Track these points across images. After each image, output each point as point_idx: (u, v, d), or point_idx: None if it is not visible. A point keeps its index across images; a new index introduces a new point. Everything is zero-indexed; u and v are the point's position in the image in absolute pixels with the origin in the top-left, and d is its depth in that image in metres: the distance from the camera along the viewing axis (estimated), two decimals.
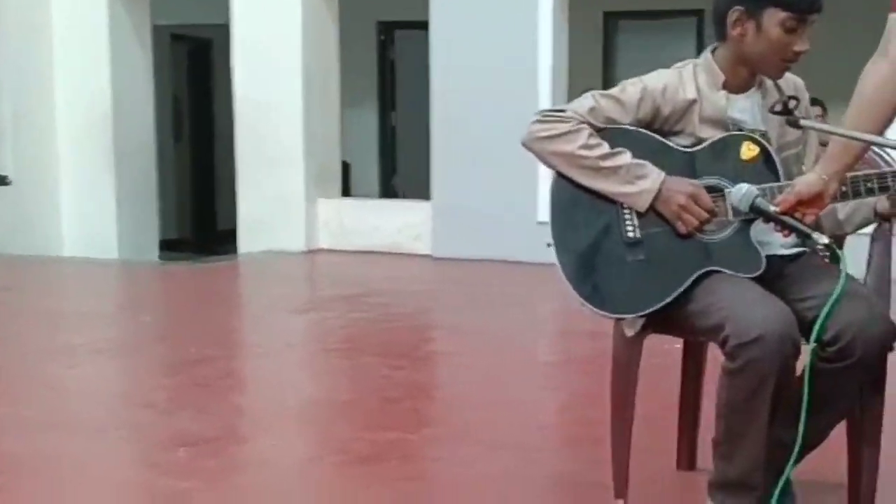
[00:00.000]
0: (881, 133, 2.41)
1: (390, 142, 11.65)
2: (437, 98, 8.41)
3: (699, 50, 11.29)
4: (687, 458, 3.15)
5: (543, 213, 7.99)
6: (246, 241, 9.14)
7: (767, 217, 2.55)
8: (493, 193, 7.97)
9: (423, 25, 10.33)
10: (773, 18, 2.56)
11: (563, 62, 8.03)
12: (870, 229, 2.74)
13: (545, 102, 7.78)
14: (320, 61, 9.01)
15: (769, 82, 2.74)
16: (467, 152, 8.13)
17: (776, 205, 2.51)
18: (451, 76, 8.26)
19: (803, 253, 2.74)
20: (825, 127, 2.42)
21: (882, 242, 2.69)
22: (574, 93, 8.18)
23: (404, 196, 10.86)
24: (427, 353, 5.18)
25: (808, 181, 2.49)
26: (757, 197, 2.55)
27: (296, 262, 8.55)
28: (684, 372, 3.13)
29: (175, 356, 4.89)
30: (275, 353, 5.01)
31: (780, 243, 2.72)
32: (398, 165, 11.66)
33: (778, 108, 2.52)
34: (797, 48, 2.59)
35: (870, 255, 2.71)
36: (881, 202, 2.62)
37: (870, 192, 2.54)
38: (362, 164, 11.28)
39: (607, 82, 10.01)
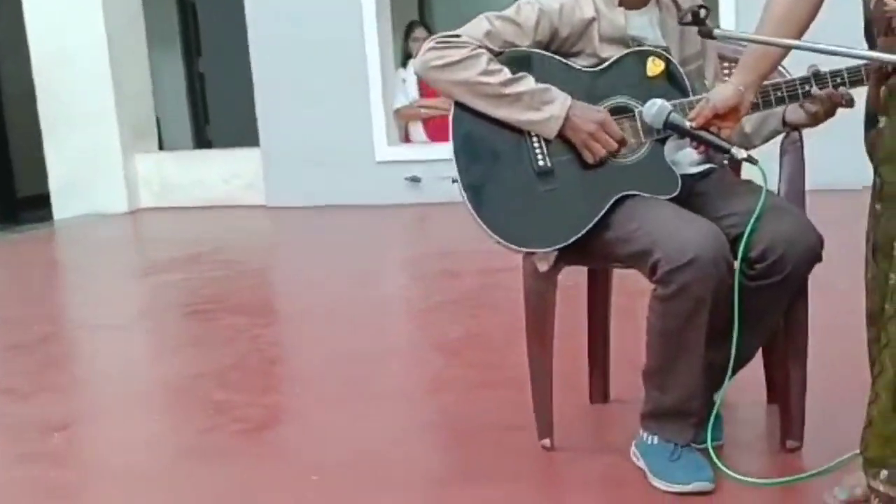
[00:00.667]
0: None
1: (200, 89, 11.15)
2: (255, 38, 7.97)
3: None
4: (601, 391, 3.08)
5: (381, 152, 7.93)
6: (60, 206, 8.59)
7: (683, 133, 2.48)
8: (325, 135, 7.68)
9: None
10: None
11: None
12: (777, 141, 2.71)
13: (370, 35, 7.56)
14: (122, 6, 8.46)
15: None
16: (294, 93, 7.78)
17: (691, 119, 2.44)
18: (269, 14, 7.84)
19: (712, 170, 2.68)
20: (742, 35, 2.33)
21: (792, 153, 2.66)
22: (399, 25, 8.01)
23: (219, 146, 10.47)
24: (292, 308, 4.92)
25: (723, 94, 2.41)
26: (671, 112, 2.47)
27: (120, 224, 8.08)
28: (590, 303, 3.05)
29: (19, 337, 4.48)
30: (129, 323, 4.69)
31: (688, 162, 2.66)
32: (210, 114, 11.18)
33: (688, 18, 2.40)
34: None
35: (781, 168, 2.67)
36: (792, 111, 2.58)
37: (780, 101, 2.50)
38: (172, 115, 10.75)
39: (423, 14, 9.86)
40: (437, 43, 2.58)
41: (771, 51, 2.34)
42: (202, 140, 11.08)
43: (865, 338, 2.19)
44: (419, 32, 7.76)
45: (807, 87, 2.48)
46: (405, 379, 3.55)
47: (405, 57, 7.87)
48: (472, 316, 4.33)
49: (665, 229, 2.38)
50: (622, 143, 2.53)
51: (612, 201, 2.52)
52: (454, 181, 2.62)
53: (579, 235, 2.53)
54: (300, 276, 5.64)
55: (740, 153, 2.38)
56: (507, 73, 2.54)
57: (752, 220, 2.37)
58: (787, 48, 2.33)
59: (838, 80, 2.46)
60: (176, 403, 3.50)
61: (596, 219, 2.52)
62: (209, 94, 11.04)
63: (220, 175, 8.34)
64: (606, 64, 2.59)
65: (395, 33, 7.84)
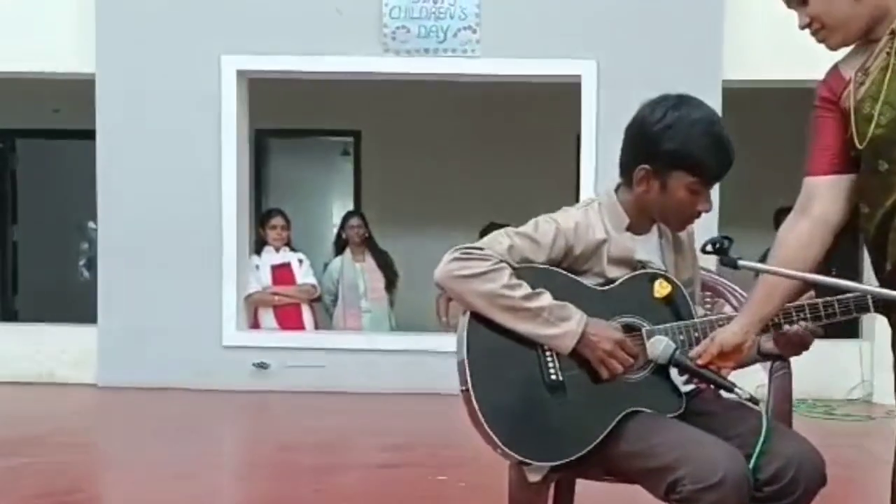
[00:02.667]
0: (801, 290, 2.51)
1: (11, 259, 10.65)
2: (105, 210, 7.69)
3: (357, 169, 11.48)
4: None
5: (229, 336, 7.72)
6: None
7: (687, 370, 2.60)
8: (172, 315, 7.45)
9: (46, 134, 10.00)
10: (680, 181, 2.63)
11: (245, 178, 7.77)
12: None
13: (228, 220, 7.50)
14: None
15: None
16: (141, 271, 7.53)
17: (696, 357, 2.56)
18: (121, 194, 7.62)
19: (700, 390, 2.80)
20: (764, 267, 2.48)
21: (781, 380, 2.80)
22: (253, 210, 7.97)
23: (26, 318, 9.98)
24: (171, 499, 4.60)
25: (728, 334, 2.53)
26: (676, 350, 2.59)
27: None
28: None
29: None
30: None
31: (680, 381, 2.76)
32: (20, 284, 10.67)
33: (709, 248, 2.55)
34: (700, 208, 2.69)
35: (769, 391, 2.81)
36: (766, 341, 2.68)
37: (802, 319, 2.58)
38: None
39: (259, 199, 9.87)
40: (462, 254, 2.62)
41: (774, 295, 2.49)
42: (7, 311, 10.51)
43: None
44: (276, 220, 7.82)
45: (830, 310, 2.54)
46: None
47: (259, 244, 7.88)
48: None
49: (691, 446, 2.45)
50: (636, 359, 2.63)
51: (619, 416, 2.59)
52: (464, 390, 2.62)
53: (587, 450, 2.57)
54: (167, 467, 5.29)
55: (744, 393, 2.52)
56: (527, 288, 2.60)
57: (759, 444, 2.48)
58: (798, 290, 2.50)
59: (829, 310, 2.61)
60: None
61: (604, 433, 2.57)
62: (21, 263, 10.58)
63: (51, 349, 7.86)
64: (617, 283, 2.70)
65: (252, 220, 7.83)
